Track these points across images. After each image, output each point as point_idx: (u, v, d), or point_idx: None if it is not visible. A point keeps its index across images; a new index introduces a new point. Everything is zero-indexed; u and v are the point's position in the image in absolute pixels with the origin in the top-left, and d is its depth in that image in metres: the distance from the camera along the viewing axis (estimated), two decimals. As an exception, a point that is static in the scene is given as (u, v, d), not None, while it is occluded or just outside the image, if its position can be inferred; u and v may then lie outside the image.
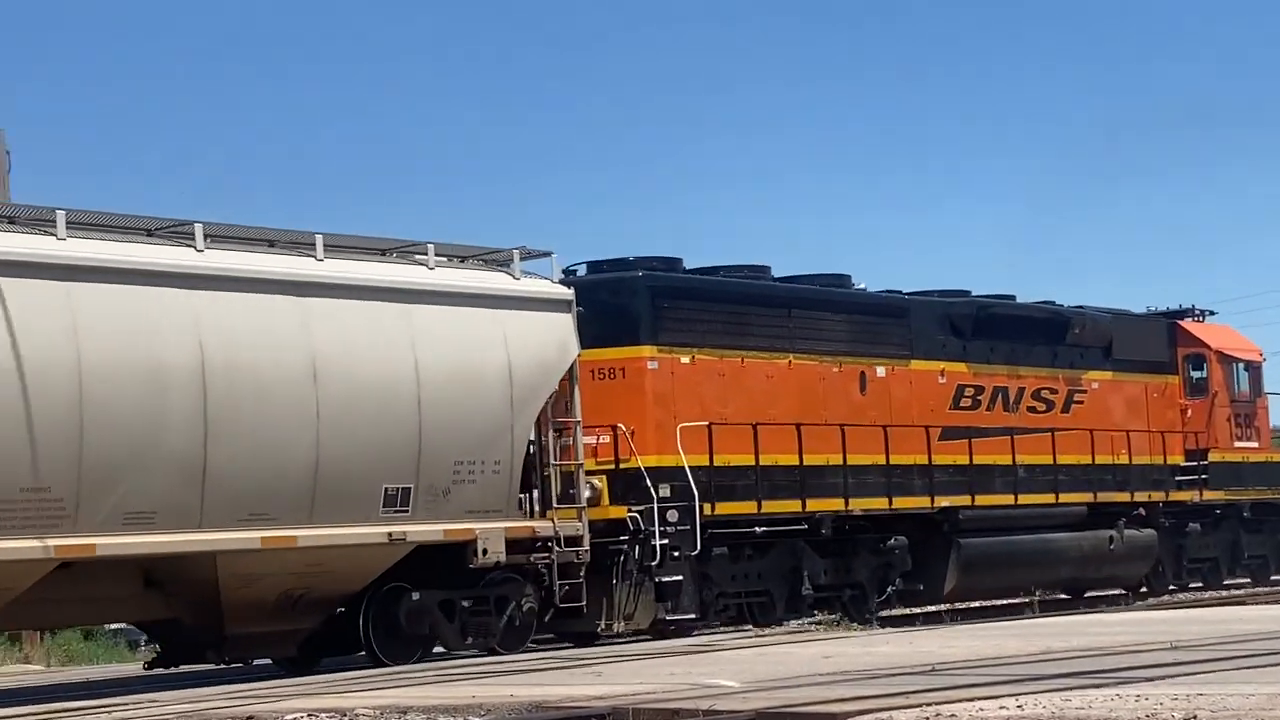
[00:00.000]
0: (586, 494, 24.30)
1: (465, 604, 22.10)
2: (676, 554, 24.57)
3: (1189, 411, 35.30)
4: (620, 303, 25.31)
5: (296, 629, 21.14)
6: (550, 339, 23.02)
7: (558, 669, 18.58)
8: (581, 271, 25.97)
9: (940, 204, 74.07)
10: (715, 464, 25.36)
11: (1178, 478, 34.49)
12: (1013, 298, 32.59)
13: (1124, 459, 33.14)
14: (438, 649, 22.47)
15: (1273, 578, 36.82)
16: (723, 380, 26.15)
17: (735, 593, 25.90)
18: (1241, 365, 36.15)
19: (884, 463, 28.01)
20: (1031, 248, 71.80)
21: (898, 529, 28.43)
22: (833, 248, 70.28)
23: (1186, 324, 35.85)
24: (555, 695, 14.74)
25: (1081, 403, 32.91)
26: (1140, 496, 33.08)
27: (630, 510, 24.42)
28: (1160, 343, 35.07)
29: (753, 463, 25.85)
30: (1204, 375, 35.42)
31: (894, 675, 14.80)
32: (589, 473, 24.49)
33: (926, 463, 28.78)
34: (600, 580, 24.33)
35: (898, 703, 12.50)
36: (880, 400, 28.67)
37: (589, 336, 24.90)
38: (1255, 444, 36.19)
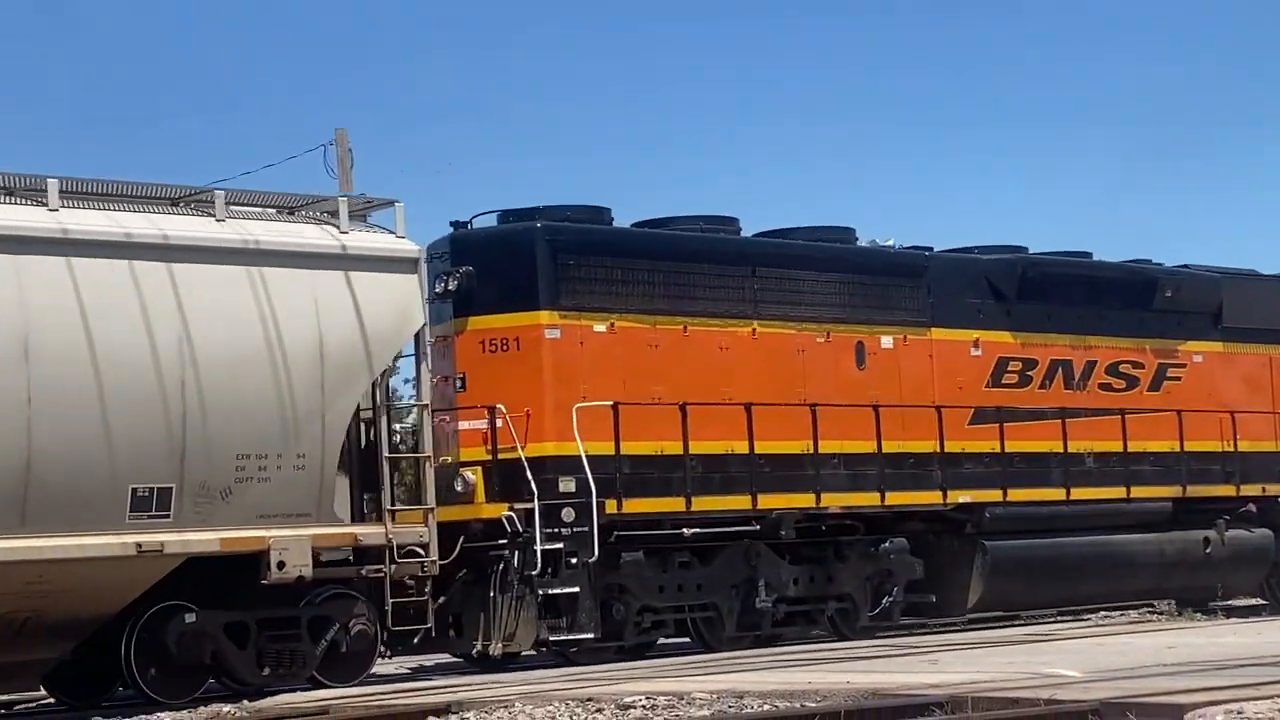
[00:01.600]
0: (459, 489, 20.46)
1: (268, 629, 18.34)
2: (575, 560, 20.47)
3: (1349, 385, 29.82)
4: (515, 260, 21.25)
5: (32, 659, 17.59)
6: (384, 306, 19.10)
7: (894, 656, 18.65)
8: (492, 223, 21.96)
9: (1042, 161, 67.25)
10: (625, 452, 21.16)
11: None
12: (1088, 255, 27.63)
13: (1231, 446, 27.93)
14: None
15: None
16: (655, 353, 21.90)
17: (668, 606, 21.67)
18: None
19: (875, 450, 23.44)
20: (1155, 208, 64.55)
21: (904, 529, 23.87)
22: (924, 213, 64.20)
23: (1330, 282, 30.33)
24: (892, 683, 14.73)
25: (1178, 379, 27.78)
26: (1251, 490, 27.83)
27: (512, 509, 20.37)
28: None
29: (680, 451, 21.56)
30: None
31: (1242, 666, 14.75)
32: (464, 465, 20.62)
33: (937, 450, 24.11)
34: (481, 593, 20.42)
35: (1247, 694, 12.27)
36: (885, 376, 24.10)
37: (481, 301, 21.05)
38: None
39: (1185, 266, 28.84)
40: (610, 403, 20.94)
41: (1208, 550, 27.01)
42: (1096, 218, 60.62)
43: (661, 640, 22.35)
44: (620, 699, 14.73)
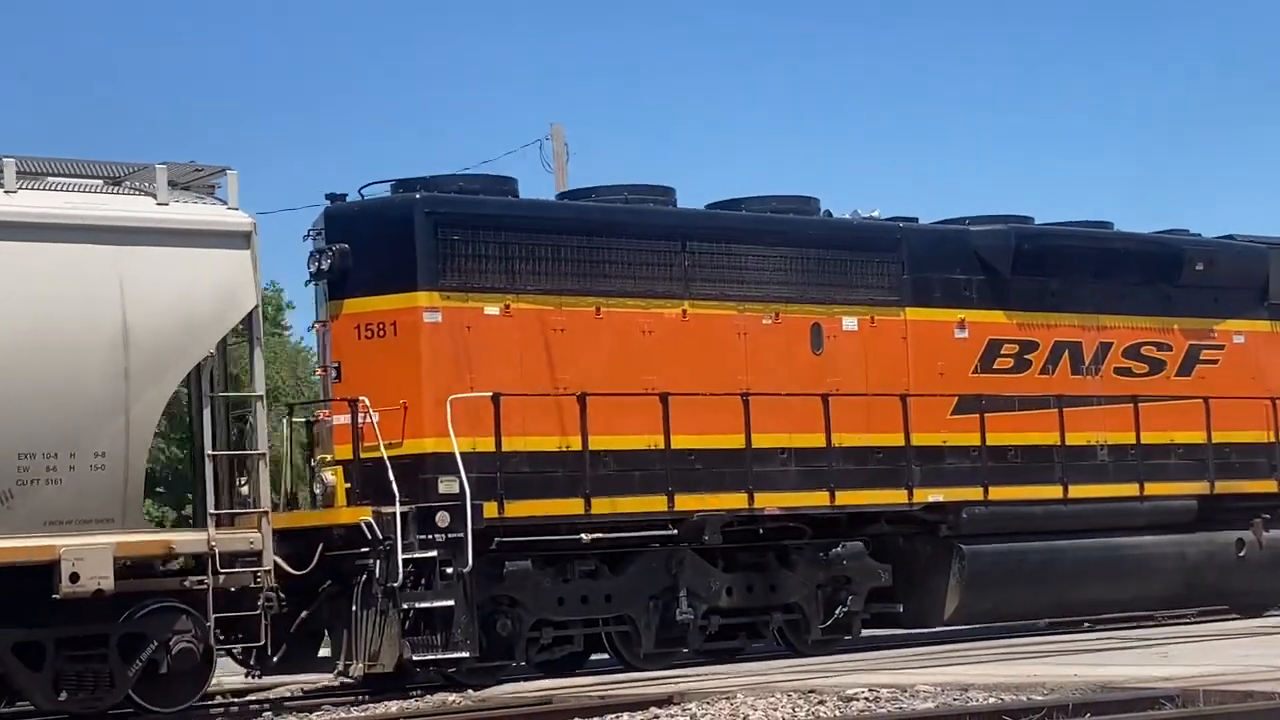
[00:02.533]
0: (317, 491, 18.40)
1: (68, 648, 16.39)
2: (451, 571, 18.28)
3: None
4: (392, 236, 19.07)
5: None
6: (207, 285, 17.05)
7: (1122, 649, 18.52)
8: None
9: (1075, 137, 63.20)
10: (516, 449, 18.93)
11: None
12: (1109, 225, 24.83)
13: (1276, 436, 25.01)
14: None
15: None
16: (562, 337, 19.63)
17: (575, 621, 19.39)
18: None
19: (824, 445, 20.95)
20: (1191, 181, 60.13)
21: (867, 532, 21.36)
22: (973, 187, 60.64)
23: None
24: (1121, 676, 14.74)
25: (1214, 362, 24.90)
26: (1293, 485, 24.89)
27: (379, 513, 18.22)
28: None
29: (578, 447, 19.26)
30: None
31: None
32: (338, 463, 18.57)
33: (903, 444, 21.55)
34: (344, 607, 18.32)
35: None
36: (848, 361, 21.59)
37: (356, 282, 18.99)
38: None
39: (1230, 237, 25.93)
40: (490, 394, 18.70)
41: (1242, 553, 24.11)
42: (1136, 189, 57.10)
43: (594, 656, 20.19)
44: (842, 691, 14.87)
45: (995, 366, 22.87)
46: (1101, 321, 23.90)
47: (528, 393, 19.12)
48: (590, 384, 19.53)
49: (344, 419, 18.80)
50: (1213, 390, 24.65)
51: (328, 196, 19.33)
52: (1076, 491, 22.74)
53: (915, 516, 21.61)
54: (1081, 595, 22.87)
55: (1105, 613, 23.68)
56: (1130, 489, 23.27)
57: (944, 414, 22.21)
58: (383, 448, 18.26)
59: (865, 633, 21.72)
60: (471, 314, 19.08)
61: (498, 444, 18.64)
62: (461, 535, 18.16)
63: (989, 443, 22.48)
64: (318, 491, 18.46)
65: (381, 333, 18.94)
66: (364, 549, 18.12)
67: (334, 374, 19.23)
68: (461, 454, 18.42)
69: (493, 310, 19.23)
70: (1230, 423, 24.72)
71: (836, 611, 20.90)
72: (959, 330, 22.60)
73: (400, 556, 17.93)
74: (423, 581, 18.25)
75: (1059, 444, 22.89)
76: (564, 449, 19.32)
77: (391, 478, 18.07)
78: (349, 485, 18.62)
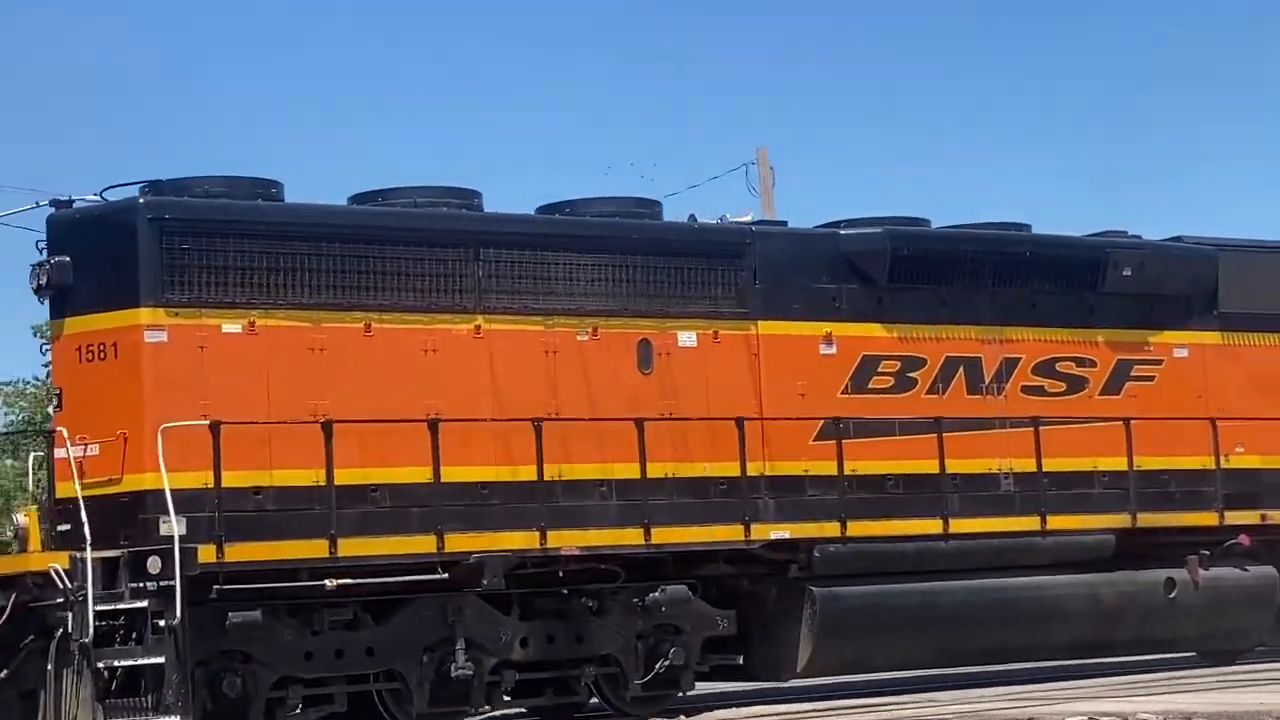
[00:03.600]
0: (10, 534, 16.41)
1: None
2: (163, 623, 16.16)
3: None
4: (114, 247, 16.96)
5: None
6: None
7: None
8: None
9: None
10: (246, 484, 16.76)
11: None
12: (1025, 228, 22.20)
13: (1224, 461, 22.20)
14: None
15: None
16: (321, 358, 17.44)
17: (328, 678, 17.19)
18: None
19: (639, 476, 18.56)
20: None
21: (701, 573, 18.97)
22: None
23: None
24: None
25: (1149, 378, 22.16)
26: (1242, 517, 22.01)
27: (77, 558, 16.13)
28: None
29: (321, 482, 17.04)
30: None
31: None
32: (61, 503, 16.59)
33: (739, 474, 19.08)
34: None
35: None
36: (684, 381, 19.20)
37: (77, 299, 17.06)
38: None
39: (1177, 238, 23.17)
40: (206, 422, 16.55)
41: (1171, 595, 21.31)
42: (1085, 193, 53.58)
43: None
44: (1063, 718, 15.15)
45: (871, 386, 20.35)
46: (1006, 334, 21.29)
47: (273, 420, 16.97)
48: (356, 409, 17.31)
49: (61, 452, 16.80)
50: (1146, 410, 21.92)
51: (52, 203, 17.34)
52: (961, 526, 20.12)
53: (760, 556, 19.14)
54: (969, 642, 20.24)
55: (1003, 662, 21.02)
56: (1030, 522, 20.60)
57: (805, 440, 19.74)
58: (78, 485, 16.21)
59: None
60: (205, 332, 16.92)
61: (216, 479, 16.47)
62: (171, 582, 16.04)
63: (862, 471, 20.00)
64: (9, 535, 16.46)
65: (102, 355, 16.86)
66: (59, 600, 16.08)
67: (56, 402, 17.25)
68: (186, 490, 16.34)
69: (233, 328, 17.07)
70: (1167, 447, 21.98)
71: (658, 664, 18.51)
72: (825, 345, 20.12)
73: (92, 608, 15.84)
74: (133, 636, 16.16)
75: (946, 472, 20.31)
76: (316, 484, 17.12)
77: (84, 518, 15.97)
78: (68, 527, 16.62)
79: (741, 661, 19.30)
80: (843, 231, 20.54)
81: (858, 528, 19.46)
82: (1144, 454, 21.77)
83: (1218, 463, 21.81)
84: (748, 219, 20.46)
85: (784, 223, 20.66)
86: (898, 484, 20.21)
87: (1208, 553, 21.63)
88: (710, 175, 40.19)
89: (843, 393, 20.14)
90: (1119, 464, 21.53)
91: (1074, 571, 20.78)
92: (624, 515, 18.44)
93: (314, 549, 16.87)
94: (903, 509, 20.04)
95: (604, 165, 56.90)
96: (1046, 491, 20.96)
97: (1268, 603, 21.92)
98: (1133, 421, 21.38)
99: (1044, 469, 21.06)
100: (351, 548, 16.97)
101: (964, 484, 20.65)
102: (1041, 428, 21.01)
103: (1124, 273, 21.91)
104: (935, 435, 20.37)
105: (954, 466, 20.57)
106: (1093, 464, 21.46)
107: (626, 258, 19.06)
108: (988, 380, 21.08)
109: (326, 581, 16.82)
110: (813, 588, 19.12)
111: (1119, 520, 21.11)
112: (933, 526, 19.94)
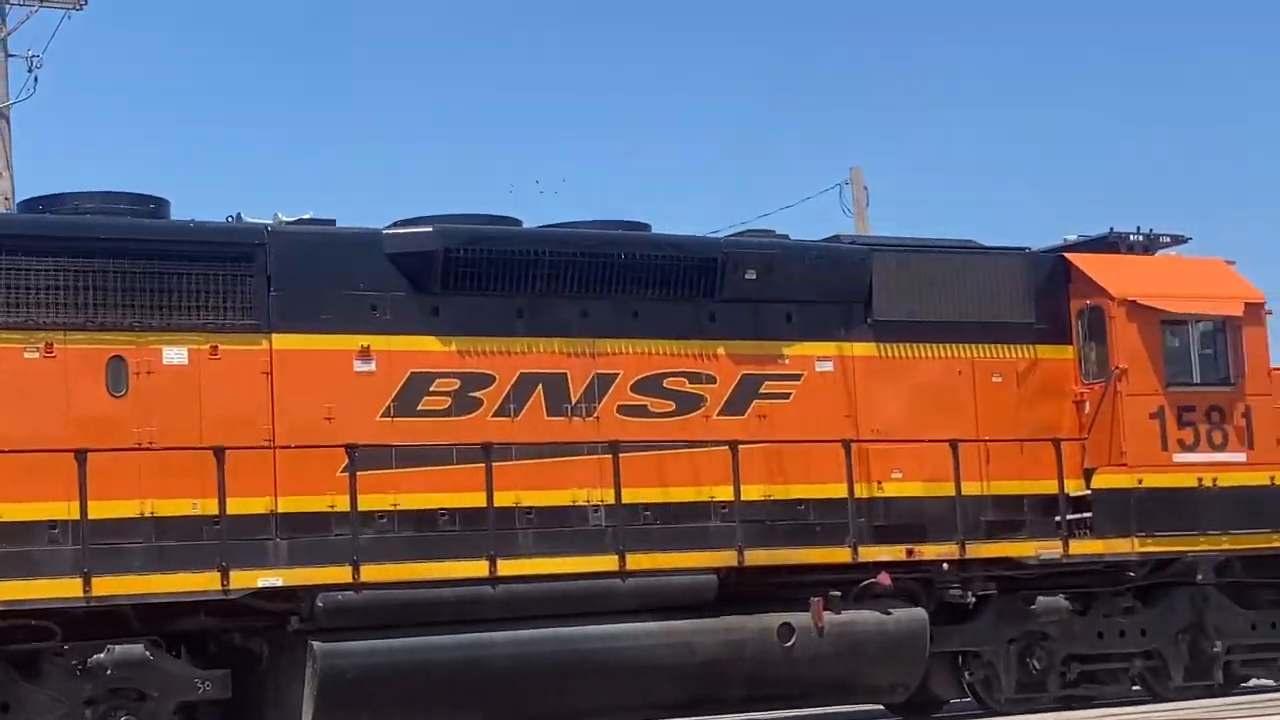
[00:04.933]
0: None
1: None
2: None
3: (1086, 405, 21.03)
4: None
5: None
6: None
7: None
8: None
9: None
10: None
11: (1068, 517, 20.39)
12: (645, 227, 19.58)
13: (869, 489, 19.51)
14: None
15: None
16: None
17: None
18: (1203, 326, 21.40)
19: (109, 516, 15.94)
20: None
21: (179, 627, 16.34)
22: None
23: (1079, 258, 21.41)
24: None
25: (783, 396, 19.48)
26: (886, 552, 19.24)
27: None
28: (1024, 291, 20.96)
29: None
30: (1101, 343, 21.01)
31: None
32: None
33: (239, 512, 16.45)
34: None
35: None
36: (169, 405, 16.60)
37: None
38: (1240, 455, 21.30)
39: (835, 238, 20.57)
40: None
41: (789, 643, 18.54)
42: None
43: None
44: None
45: (422, 408, 17.72)
46: (600, 347, 18.65)
47: None
48: None
49: None
50: (778, 431, 19.25)
51: None
52: (525, 567, 17.40)
53: (250, 606, 16.47)
54: (529, 706, 17.47)
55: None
56: (606, 561, 17.89)
57: (333, 471, 17.09)
58: None
59: None
60: None
61: None
62: None
63: (405, 506, 17.43)
64: None
65: None
66: None
67: None
68: None
69: None
70: (803, 473, 19.30)
71: (113, 736, 15.88)
72: (362, 361, 17.51)
73: None
74: None
75: (495, 505, 17.56)
76: None
77: None
78: None
79: (232, 732, 16.64)
80: (386, 231, 17.94)
81: (377, 572, 16.76)
82: (772, 481, 19.14)
83: (851, 491, 19.03)
84: (283, 218, 17.79)
85: (332, 221, 17.98)
86: (452, 519, 17.59)
87: (838, 594, 18.89)
88: (804, 196, 41.02)
89: (384, 415, 17.52)
90: (719, 493, 18.85)
91: (663, 618, 18.04)
92: (75, 562, 15.82)
93: None
94: (456, 548, 17.38)
95: (700, 187, 54.90)
96: (639, 525, 18.32)
97: (914, 650, 19.12)
98: (745, 446, 18.65)
99: (644, 500, 18.46)
100: None
101: (541, 518, 18.03)
102: (639, 453, 18.36)
103: (746, 276, 19.25)
104: (514, 463, 17.76)
105: (529, 499, 17.97)
106: (709, 494, 18.80)
107: (95, 261, 16.47)
108: (574, 400, 18.44)
109: None
110: (314, 643, 16.44)
111: (723, 558, 18.37)
112: (478, 569, 17.23)
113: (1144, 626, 20.70)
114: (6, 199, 28.50)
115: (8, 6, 29.83)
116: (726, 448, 18.63)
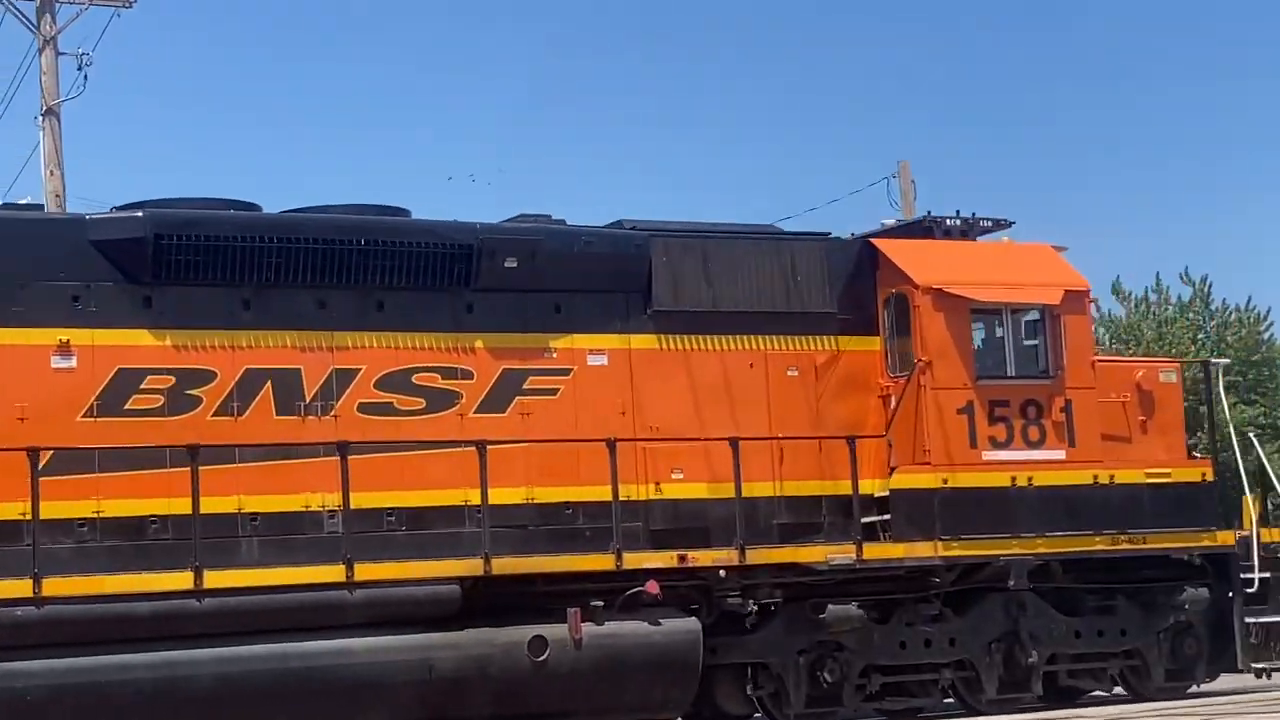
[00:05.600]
0: None
1: None
2: None
3: (893, 400, 19.71)
4: None
5: None
6: None
7: None
8: None
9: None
10: None
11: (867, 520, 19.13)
12: (404, 213, 18.32)
13: (641, 491, 18.25)
14: None
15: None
16: None
17: None
18: (1019, 315, 20.06)
19: None
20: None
21: None
22: None
23: (885, 244, 20.08)
24: None
25: (550, 391, 18.21)
26: (650, 560, 17.92)
27: None
28: (824, 279, 19.66)
29: None
30: (907, 334, 19.69)
31: None
32: None
33: None
34: None
35: None
36: None
37: None
38: (1059, 452, 19.95)
39: (618, 223, 19.24)
40: None
41: (541, 657, 17.23)
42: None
43: None
44: None
45: (130, 407, 16.47)
46: (340, 341, 17.38)
47: None
48: None
49: None
50: (544, 430, 17.98)
51: None
52: (223, 579, 16.08)
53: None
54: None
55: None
56: (333, 572, 16.58)
57: (26, 476, 15.81)
58: None
59: None
60: None
61: None
62: None
63: (110, 513, 16.18)
64: None
65: None
66: None
67: None
68: None
69: None
70: (571, 474, 18.02)
71: None
72: (60, 358, 16.25)
73: None
74: None
75: (230, 510, 16.44)
76: None
77: None
78: None
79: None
80: (90, 217, 16.67)
81: (63, 585, 15.48)
82: (535, 483, 17.87)
83: (615, 493, 17.71)
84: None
85: (40, 207, 16.75)
86: (164, 527, 16.32)
87: (601, 604, 17.60)
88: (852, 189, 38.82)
89: (86, 415, 16.25)
90: (502, 496, 17.60)
91: (399, 632, 16.74)
92: None
93: None
94: (166, 558, 16.10)
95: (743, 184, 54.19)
96: (381, 532, 17.09)
97: (685, 663, 17.79)
98: (507, 446, 17.38)
99: (388, 505, 17.22)
100: None
101: (269, 525, 16.76)
102: (381, 454, 17.09)
103: (507, 264, 17.96)
104: (235, 465, 16.50)
105: (253, 504, 16.72)
106: (464, 497, 17.52)
107: None
108: (309, 398, 17.17)
109: None
110: (-14, 664, 15.18)
111: (467, 567, 17.07)
112: (182, 581, 15.94)
113: (953, 635, 19.35)
114: (58, 197, 27.99)
115: (57, 4, 29.96)
116: (499, 446, 17.38)
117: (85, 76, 29.54)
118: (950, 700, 19.77)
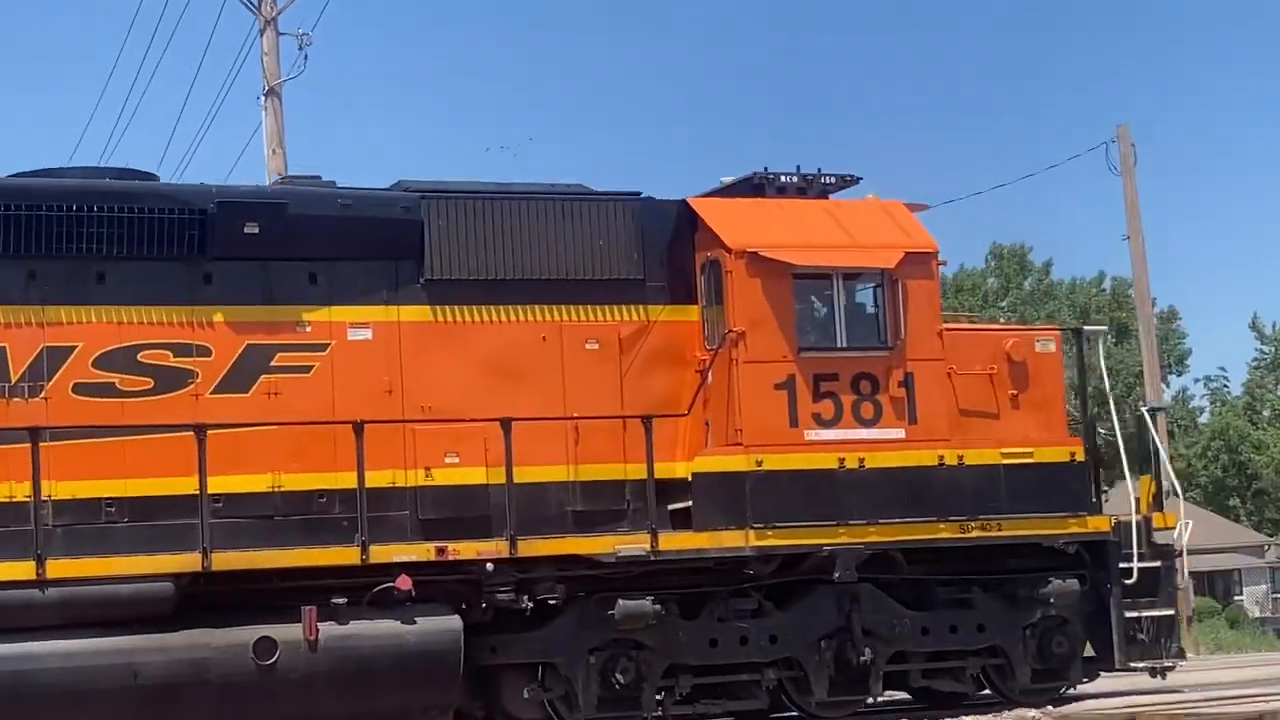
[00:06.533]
0: None
1: None
2: None
3: (710, 375, 17.97)
4: None
5: None
6: None
7: None
8: None
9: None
10: None
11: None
12: (154, 178, 16.88)
13: (401, 477, 16.69)
14: None
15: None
16: None
17: None
18: (852, 281, 18.23)
19: None
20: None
21: None
22: None
23: (702, 204, 18.32)
24: None
25: (304, 369, 16.66)
26: (404, 552, 16.29)
27: None
28: (632, 244, 17.94)
29: None
30: (721, 303, 17.92)
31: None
32: None
33: None
34: None
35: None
36: None
37: None
38: (898, 431, 18.07)
39: (397, 184, 17.65)
40: None
41: (270, 661, 15.66)
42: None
43: None
44: None
45: None
46: (52, 315, 15.92)
47: None
48: None
49: None
50: (292, 411, 16.43)
51: None
52: None
53: None
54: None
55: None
56: (21, 569, 15.15)
57: None
58: None
59: None
60: None
61: None
62: None
63: None
64: None
65: None
66: None
67: None
68: None
69: None
70: (330, 460, 16.44)
71: None
72: None
73: None
74: None
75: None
76: None
77: None
78: None
79: None
80: None
81: None
82: (282, 469, 16.33)
83: (361, 479, 16.09)
84: None
85: None
86: None
87: (343, 601, 16.04)
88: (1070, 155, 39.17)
89: None
90: (241, 484, 16.13)
91: (108, 634, 15.27)
92: None
93: None
94: None
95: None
96: (98, 524, 15.64)
97: (443, 665, 16.14)
98: (207, 429, 15.83)
99: (107, 495, 15.77)
100: None
101: None
102: (94, 440, 15.65)
103: (247, 230, 16.40)
104: None
105: None
106: (195, 485, 16.01)
107: None
108: (14, 378, 15.75)
109: None
110: None
111: (183, 562, 15.55)
112: None
113: (773, 632, 17.56)
114: (280, 176, 27.52)
115: (278, -14, 30.22)
116: (232, 430, 15.90)
117: (305, 56, 29.99)
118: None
